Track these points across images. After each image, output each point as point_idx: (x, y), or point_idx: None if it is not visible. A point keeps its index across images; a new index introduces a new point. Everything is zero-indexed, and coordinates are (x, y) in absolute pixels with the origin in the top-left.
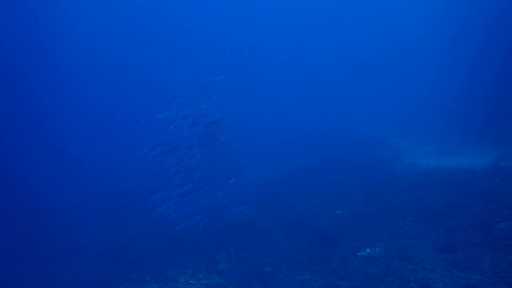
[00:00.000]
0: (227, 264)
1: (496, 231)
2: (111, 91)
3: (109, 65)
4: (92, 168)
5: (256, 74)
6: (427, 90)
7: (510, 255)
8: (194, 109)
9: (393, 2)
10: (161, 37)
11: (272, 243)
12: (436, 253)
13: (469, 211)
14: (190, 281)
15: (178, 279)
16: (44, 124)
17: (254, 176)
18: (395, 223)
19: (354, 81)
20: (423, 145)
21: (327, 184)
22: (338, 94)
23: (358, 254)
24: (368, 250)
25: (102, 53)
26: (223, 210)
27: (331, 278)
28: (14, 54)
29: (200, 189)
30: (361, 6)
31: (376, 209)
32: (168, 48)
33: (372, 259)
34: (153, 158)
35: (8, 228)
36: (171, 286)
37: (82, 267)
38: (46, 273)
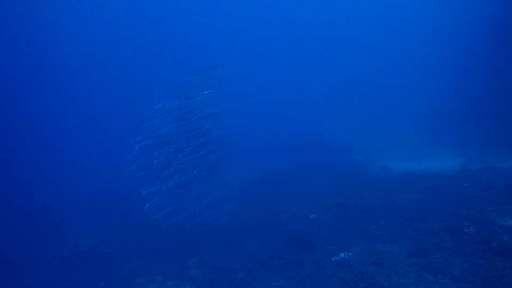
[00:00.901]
0: (199, 270)
1: (465, 235)
2: (104, 86)
3: (102, 61)
4: (77, 166)
5: (236, 75)
6: (398, 94)
7: (479, 259)
8: (184, 102)
9: (368, 7)
10: (155, 34)
11: (246, 248)
12: (408, 258)
13: (440, 215)
14: None
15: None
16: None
17: (230, 177)
18: (368, 227)
19: (328, 85)
20: (395, 148)
21: (301, 187)
22: (311, 97)
23: (332, 259)
24: (342, 255)
25: (96, 51)
26: (203, 213)
27: (305, 284)
28: (9, 55)
29: (181, 187)
30: (337, 10)
31: (350, 213)
32: (160, 46)
33: (346, 264)
34: (140, 152)
35: None
36: None
37: (44, 276)
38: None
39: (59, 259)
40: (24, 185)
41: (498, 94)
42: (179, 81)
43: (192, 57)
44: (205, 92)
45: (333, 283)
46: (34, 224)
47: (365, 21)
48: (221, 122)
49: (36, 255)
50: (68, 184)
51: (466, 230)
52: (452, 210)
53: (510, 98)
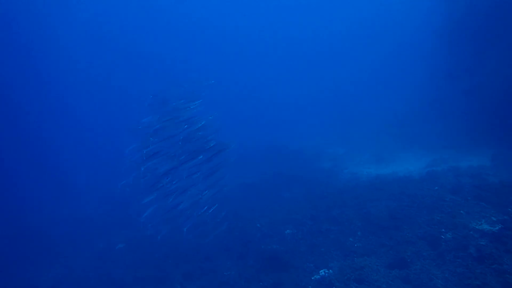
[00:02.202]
0: None
1: (443, 242)
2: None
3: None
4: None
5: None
6: (359, 99)
7: (460, 267)
8: (176, 113)
9: (325, 12)
10: (146, 42)
11: (221, 273)
12: (389, 271)
13: (414, 222)
14: None
15: None
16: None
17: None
18: (345, 239)
19: (286, 92)
20: (361, 152)
21: (272, 201)
22: (271, 106)
23: (313, 278)
24: (322, 272)
25: (87, 64)
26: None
27: None
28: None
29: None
30: (292, 17)
31: (325, 226)
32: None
33: (327, 283)
34: (135, 164)
35: None
36: None
37: None
38: None
39: None
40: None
41: (452, 94)
42: (168, 93)
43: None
44: (196, 103)
45: None
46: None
47: (325, 28)
48: (214, 131)
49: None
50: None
51: (443, 237)
52: (426, 216)
53: (464, 98)
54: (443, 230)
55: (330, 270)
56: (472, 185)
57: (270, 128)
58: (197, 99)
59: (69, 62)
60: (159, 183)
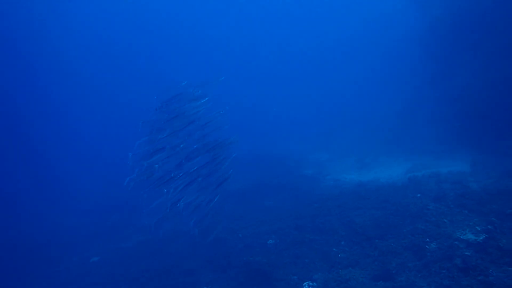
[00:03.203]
0: None
1: (428, 252)
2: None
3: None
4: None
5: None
6: (342, 104)
7: (445, 279)
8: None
9: (308, 21)
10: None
11: None
12: (374, 283)
13: (399, 231)
14: None
15: None
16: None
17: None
18: (329, 250)
19: (268, 97)
20: (344, 158)
21: (254, 210)
22: (254, 112)
23: None
24: (306, 286)
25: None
26: None
27: None
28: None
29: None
30: (270, 18)
31: (309, 235)
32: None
33: None
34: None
35: None
36: None
37: None
38: None
39: None
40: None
41: (432, 100)
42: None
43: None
44: (203, 101)
45: None
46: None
47: (309, 36)
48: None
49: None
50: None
51: (428, 247)
52: (410, 226)
53: (443, 104)
54: (427, 239)
55: (314, 283)
56: (455, 192)
57: (253, 134)
58: (203, 97)
59: (70, 63)
60: (162, 179)
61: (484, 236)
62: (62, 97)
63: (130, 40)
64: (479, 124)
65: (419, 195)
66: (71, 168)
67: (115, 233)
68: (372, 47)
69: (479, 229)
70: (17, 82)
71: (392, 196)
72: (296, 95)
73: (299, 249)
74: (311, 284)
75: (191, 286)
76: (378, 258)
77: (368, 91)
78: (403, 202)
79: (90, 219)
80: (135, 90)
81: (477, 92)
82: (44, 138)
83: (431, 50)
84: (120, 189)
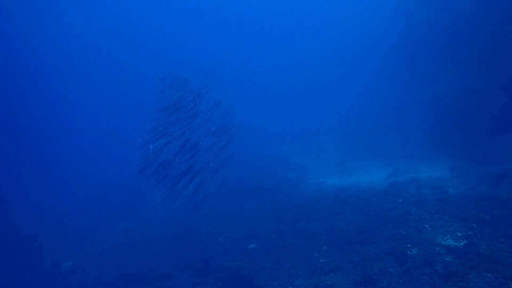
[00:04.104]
0: None
1: (409, 258)
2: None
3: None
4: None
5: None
6: (323, 107)
7: (426, 285)
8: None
9: (292, 20)
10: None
11: None
12: None
13: (380, 236)
14: None
15: None
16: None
17: (157, 207)
18: (311, 254)
19: (250, 99)
20: (325, 162)
21: (235, 213)
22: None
23: None
24: None
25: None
26: None
27: None
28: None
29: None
30: (258, 23)
31: (290, 240)
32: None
33: None
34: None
35: None
36: None
37: None
38: None
39: None
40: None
41: (411, 104)
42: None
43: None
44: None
45: None
46: None
47: (287, 39)
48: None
49: None
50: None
51: (409, 253)
52: (392, 231)
53: (422, 109)
54: (409, 245)
55: None
56: (435, 197)
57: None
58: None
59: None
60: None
61: (464, 242)
62: (59, 95)
63: (127, 38)
64: (457, 130)
65: (400, 200)
66: (53, 166)
67: (91, 236)
68: (355, 53)
69: (459, 235)
70: (16, 81)
71: (373, 201)
72: (278, 98)
73: (281, 254)
74: None
75: None
76: (359, 264)
77: (350, 96)
78: (384, 207)
79: (65, 220)
80: (132, 93)
81: (455, 99)
82: (32, 129)
83: (412, 57)
84: (100, 188)
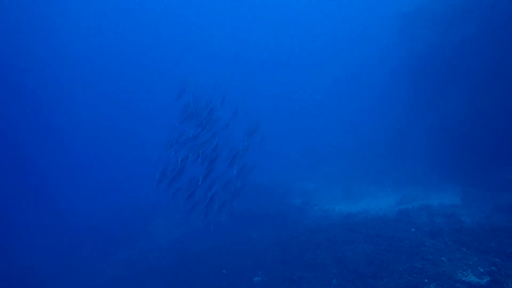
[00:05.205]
0: None
1: None
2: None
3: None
4: None
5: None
6: (327, 131)
7: None
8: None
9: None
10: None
11: None
12: None
13: (394, 269)
14: None
15: None
16: None
17: (159, 235)
18: None
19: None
20: (331, 187)
21: (239, 242)
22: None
23: None
24: None
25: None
26: None
27: None
28: None
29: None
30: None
31: (298, 272)
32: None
33: None
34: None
35: None
36: None
37: None
38: None
39: None
40: None
41: (418, 130)
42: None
43: None
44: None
45: None
46: None
47: (292, 63)
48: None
49: None
50: None
51: None
52: (406, 263)
53: (429, 134)
54: (426, 280)
55: None
56: (450, 227)
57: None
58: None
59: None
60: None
61: (488, 279)
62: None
63: (127, 40)
64: (464, 156)
65: (413, 229)
66: (54, 190)
67: (89, 266)
68: (359, 79)
69: (482, 270)
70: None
71: (383, 229)
72: (282, 124)
73: (288, 287)
74: None
75: None
76: None
77: (355, 121)
78: (397, 236)
79: (64, 247)
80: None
81: (460, 124)
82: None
83: (416, 81)
84: (101, 214)
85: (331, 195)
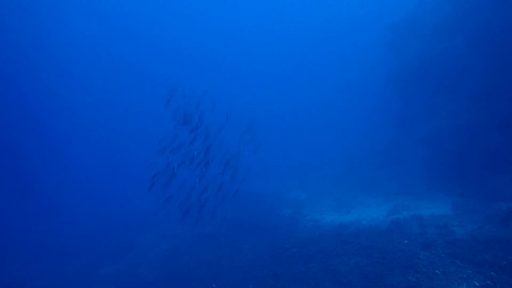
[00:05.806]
0: None
1: None
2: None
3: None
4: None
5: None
6: (318, 141)
7: None
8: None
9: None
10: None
11: None
12: None
13: (388, 283)
14: None
15: None
16: None
17: (147, 248)
18: None
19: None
20: (322, 197)
21: (230, 254)
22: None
23: None
24: None
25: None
26: None
27: None
28: None
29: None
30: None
31: (289, 286)
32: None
33: None
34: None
35: None
36: None
37: None
38: None
39: None
40: None
41: (408, 140)
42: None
43: None
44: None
45: None
46: None
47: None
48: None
49: None
50: None
51: None
52: (400, 277)
53: (420, 144)
54: None
55: None
56: (443, 239)
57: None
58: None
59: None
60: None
61: None
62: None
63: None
64: (455, 166)
65: (406, 241)
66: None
67: (75, 283)
68: (353, 89)
69: (477, 284)
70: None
71: (376, 241)
72: (273, 134)
73: None
74: None
75: None
76: None
77: (346, 132)
78: (389, 248)
79: (51, 261)
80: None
81: (451, 135)
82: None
83: (407, 93)
84: (89, 226)
85: (322, 205)
